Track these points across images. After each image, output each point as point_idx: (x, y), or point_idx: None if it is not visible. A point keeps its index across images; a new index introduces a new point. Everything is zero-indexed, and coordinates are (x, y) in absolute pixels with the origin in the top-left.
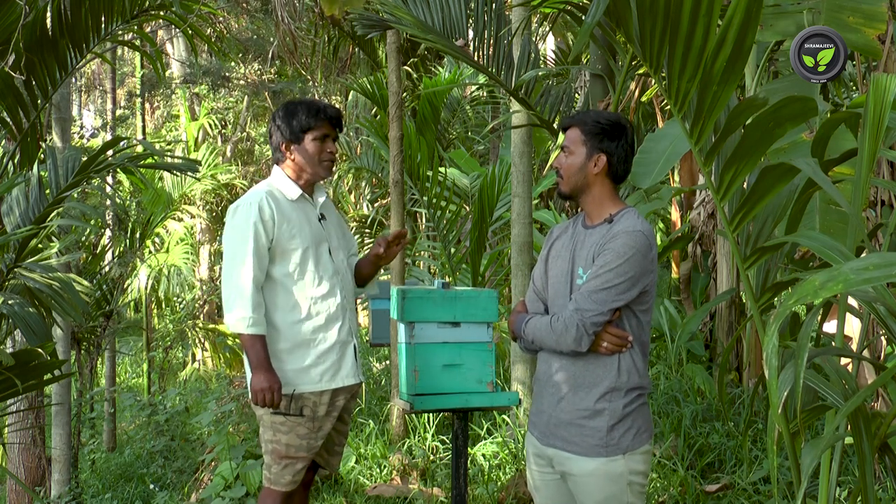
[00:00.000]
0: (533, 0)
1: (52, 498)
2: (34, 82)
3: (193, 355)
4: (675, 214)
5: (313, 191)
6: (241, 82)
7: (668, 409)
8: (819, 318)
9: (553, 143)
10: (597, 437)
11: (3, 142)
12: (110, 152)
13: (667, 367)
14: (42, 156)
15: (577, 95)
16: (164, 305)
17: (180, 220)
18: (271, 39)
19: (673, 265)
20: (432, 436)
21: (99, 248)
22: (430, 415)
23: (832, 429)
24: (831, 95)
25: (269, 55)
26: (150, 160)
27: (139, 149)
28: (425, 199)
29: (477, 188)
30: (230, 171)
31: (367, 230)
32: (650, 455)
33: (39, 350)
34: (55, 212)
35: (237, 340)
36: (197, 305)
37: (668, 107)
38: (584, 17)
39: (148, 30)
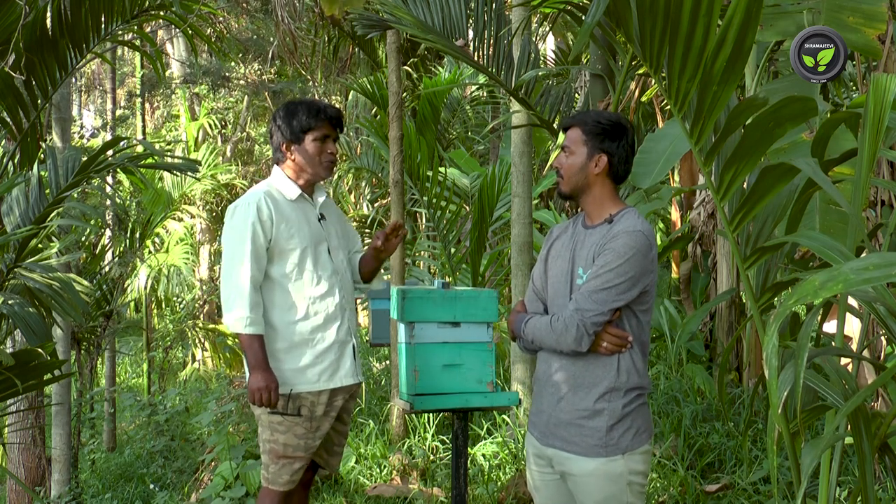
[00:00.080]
0: (533, 0)
1: (52, 498)
2: (34, 82)
3: (193, 355)
4: (675, 214)
5: (313, 191)
6: (241, 82)
7: (668, 409)
8: (819, 318)
9: (553, 143)
10: (596, 437)
11: (3, 142)
12: (110, 152)
13: (667, 367)
14: (42, 156)
15: (577, 95)
16: (164, 305)
17: (180, 220)
18: (271, 39)
19: (673, 265)
20: (432, 436)
21: (99, 248)
22: (430, 415)
23: (832, 429)
24: (831, 95)
25: (269, 55)
26: (150, 160)
27: (139, 149)
28: (425, 199)
29: (477, 188)
30: (230, 171)
31: (367, 230)
32: (650, 455)
33: (39, 350)
34: (55, 212)
35: (237, 340)
36: (197, 305)
37: (668, 107)
38: (584, 17)
39: (148, 30)
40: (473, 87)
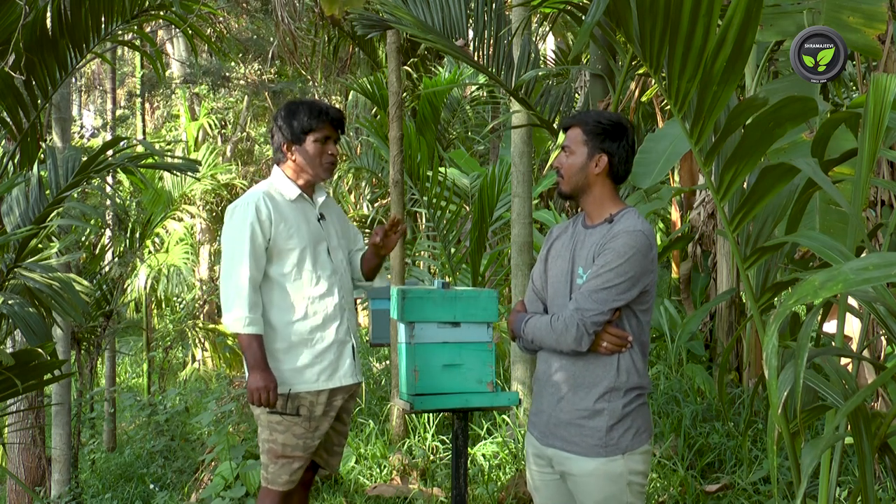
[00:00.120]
0: (533, 0)
1: (52, 498)
2: (34, 82)
3: (193, 355)
4: (675, 214)
5: (314, 191)
6: (241, 82)
7: (668, 409)
8: (819, 318)
9: (553, 143)
10: (596, 437)
11: (3, 142)
12: (110, 152)
13: (667, 367)
14: (42, 156)
15: (577, 95)
16: (163, 305)
17: (180, 220)
18: (271, 39)
19: (673, 265)
20: (432, 436)
21: (99, 248)
22: (430, 415)
23: (832, 429)
24: (831, 95)
25: (269, 55)
26: (150, 160)
27: (139, 149)
28: (425, 199)
29: (477, 188)
30: (230, 171)
31: (367, 230)
32: (650, 455)
33: (39, 350)
34: (55, 212)
35: (237, 340)
36: (197, 305)
37: (668, 107)
38: (584, 17)
39: (148, 30)
40: (473, 87)
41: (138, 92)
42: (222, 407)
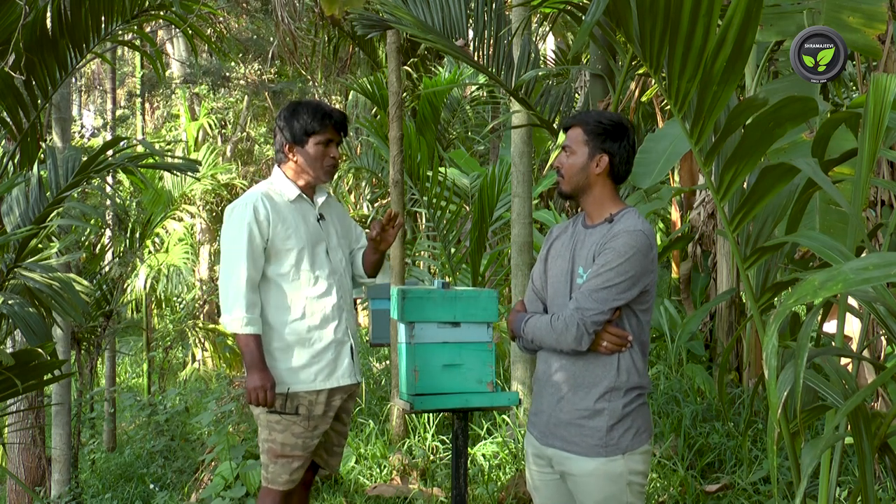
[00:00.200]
0: (533, 0)
1: (52, 498)
2: (34, 82)
3: (193, 355)
4: (675, 214)
5: (314, 191)
6: (241, 82)
7: (668, 409)
8: (819, 318)
9: (553, 143)
10: (596, 436)
11: (3, 142)
12: (110, 152)
13: (667, 367)
14: (42, 156)
15: (577, 95)
16: (163, 305)
17: (180, 220)
18: (271, 39)
19: (673, 265)
20: (432, 436)
21: (99, 248)
22: (430, 415)
23: (832, 429)
24: (831, 95)
25: (269, 55)
26: (150, 160)
27: (139, 149)
28: (425, 199)
29: (477, 188)
30: (230, 171)
31: (367, 230)
32: (650, 455)
33: (39, 350)
34: (55, 212)
35: (236, 340)
36: (197, 305)
37: (668, 107)
38: (583, 17)
39: (148, 30)
40: (473, 87)
41: (138, 92)
42: (222, 407)
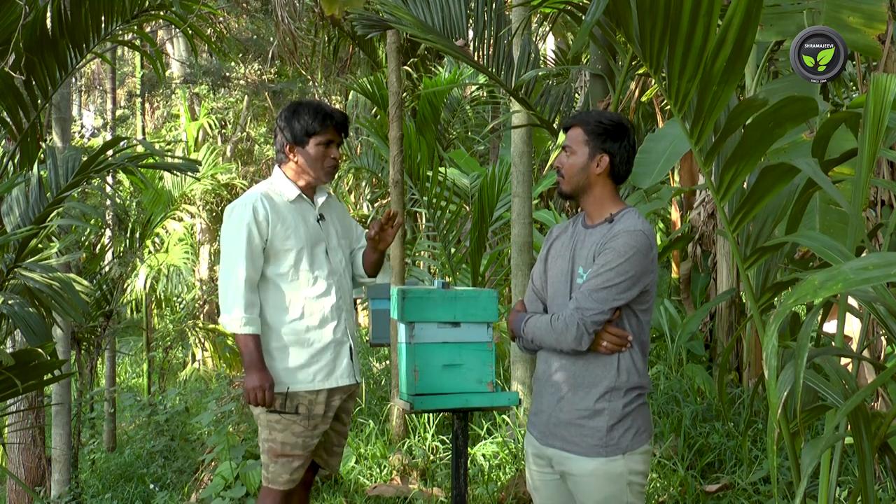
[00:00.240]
0: (533, 0)
1: (52, 498)
2: (34, 82)
3: (193, 355)
4: (675, 214)
5: (314, 192)
6: (241, 82)
7: (668, 409)
8: (819, 318)
9: (553, 143)
10: (596, 436)
11: (3, 142)
12: (110, 152)
13: (667, 367)
14: (42, 156)
15: (577, 95)
16: (163, 305)
17: (180, 219)
18: (271, 39)
19: (673, 265)
20: (432, 436)
21: (99, 248)
22: (430, 415)
23: (832, 429)
24: (831, 95)
25: (269, 55)
26: (150, 160)
27: (139, 149)
28: (425, 199)
29: (477, 188)
30: (230, 171)
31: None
32: (650, 455)
33: (39, 350)
34: (55, 212)
35: (235, 340)
36: (197, 305)
37: (668, 107)
38: (584, 17)
39: (148, 30)
40: (473, 87)
41: (138, 92)
42: (222, 407)
